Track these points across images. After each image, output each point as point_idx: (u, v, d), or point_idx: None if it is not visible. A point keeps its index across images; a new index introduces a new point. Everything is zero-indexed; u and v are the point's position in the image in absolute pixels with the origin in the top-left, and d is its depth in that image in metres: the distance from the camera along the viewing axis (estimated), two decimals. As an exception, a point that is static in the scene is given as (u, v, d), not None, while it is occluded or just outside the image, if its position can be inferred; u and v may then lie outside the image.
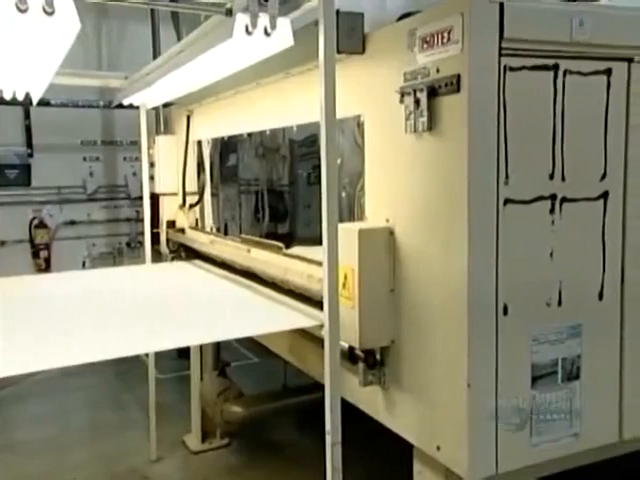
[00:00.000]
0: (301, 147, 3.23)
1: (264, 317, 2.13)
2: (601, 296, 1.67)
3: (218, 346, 3.57)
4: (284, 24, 1.68)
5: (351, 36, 1.81)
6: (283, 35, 1.69)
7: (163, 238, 3.45)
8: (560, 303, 1.62)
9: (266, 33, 1.67)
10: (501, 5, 1.51)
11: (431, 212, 1.64)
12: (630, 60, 1.67)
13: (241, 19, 1.61)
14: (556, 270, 1.62)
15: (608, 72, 1.66)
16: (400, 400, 1.75)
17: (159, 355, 3.50)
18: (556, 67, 1.60)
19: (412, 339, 1.71)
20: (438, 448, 1.59)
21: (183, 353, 3.97)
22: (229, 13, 1.72)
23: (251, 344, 4.23)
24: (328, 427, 1.60)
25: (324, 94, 1.61)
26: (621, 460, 1.74)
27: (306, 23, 1.82)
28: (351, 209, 2.05)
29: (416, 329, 1.69)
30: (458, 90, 1.52)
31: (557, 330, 1.61)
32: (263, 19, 1.65)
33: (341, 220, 1.88)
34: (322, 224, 1.62)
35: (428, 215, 1.65)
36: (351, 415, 1.72)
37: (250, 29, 1.64)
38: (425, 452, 1.66)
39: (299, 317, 2.02)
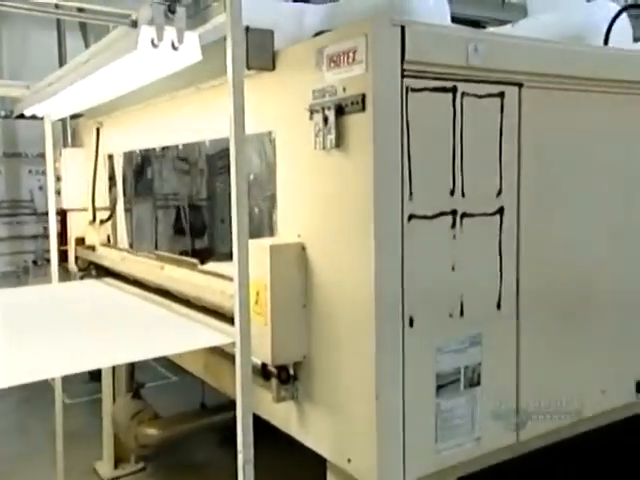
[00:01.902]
0: (217, 161, 3.20)
1: (176, 336, 2.07)
2: (499, 306, 1.76)
3: (132, 367, 3.43)
4: (192, 38, 1.66)
5: (261, 53, 1.83)
6: (191, 49, 1.67)
7: (72, 256, 3.28)
8: (462, 314, 1.70)
9: (173, 47, 1.64)
10: (402, 28, 1.58)
11: (340, 227, 1.67)
12: (520, 85, 1.79)
13: (146, 31, 1.58)
14: (458, 282, 1.69)
15: (501, 95, 1.77)
16: (312, 414, 1.76)
17: (69, 379, 3.29)
18: (454, 89, 1.69)
19: (323, 353, 1.73)
20: (349, 461, 1.61)
21: (95, 376, 3.78)
22: (134, 25, 1.68)
23: (169, 363, 4.10)
24: (240, 446, 1.58)
25: (233, 110, 1.61)
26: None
27: (216, 38, 1.82)
28: (264, 225, 2.05)
29: (327, 343, 1.71)
30: (363, 109, 1.57)
31: (459, 340, 1.69)
32: (170, 32, 1.63)
33: (255, 236, 1.89)
34: (232, 240, 1.61)
35: (337, 230, 1.68)
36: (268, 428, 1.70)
37: (156, 42, 1.61)
38: (337, 465, 1.67)
39: (212, 335, 1.98)
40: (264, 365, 1.78)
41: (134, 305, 2.54)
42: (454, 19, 4.11)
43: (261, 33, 1.82)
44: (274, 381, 1.77)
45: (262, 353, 1.75)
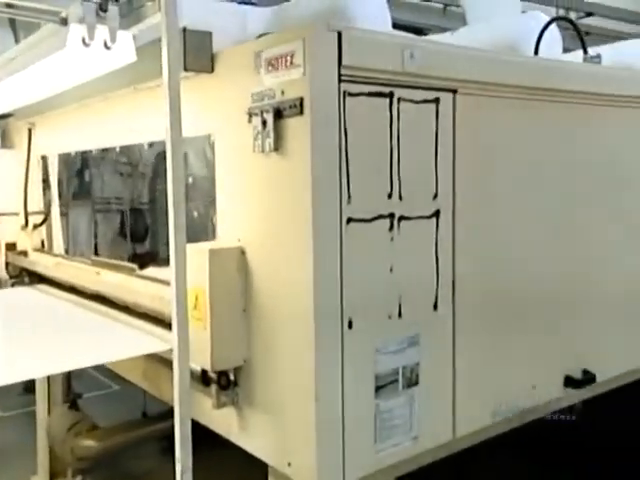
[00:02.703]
0: (159, 164, 3.13)
1: (112, 343, 2.01)
2: (436, 306, 1.80)
3: (69, 377, 3.30)
4: (125, 38, 1.63)
5: (199, 54, 1.80)
6: (125, 49, 1.63)
7: (2, 262, 3.13)
8: (400, 315, 1.73)
9: (106, 46, 1.60)
10: (339, 33, 1.60)
11: (279, 231, 1.67)
12: (455, 91, 1.84)
13: (76, 30, 1.53)
14: (396, 284, 1.72)
15: (437, 101, 1.81)
16: (253, 420, 1.74)
17: (1, 391, 3.15)
18: (391, 94, 1.72)
19: (264, 357, 1.72)
20: (289, 464, 1.61)
21: (29, 387, 3.61)
22: (64, 22, 1.62)
23: (110, 371, 3.98)
24: (178, 454, 1.55)
25: (169, 112, 1.58)
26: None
27: (153, 38, 1.78)
28: (204, 229, 2.02)
29: (267, 347, 1.70)
30: (301, 112, 1.57)
31: (398, 340, 1.72)
32: (102, 31, 1.59)
33: (195, 240, 1.86)
34: (169, 244, 1.58)
35: (277, 234, 1.68)
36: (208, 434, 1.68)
37: (87, 41, 1.56)
38: (277, 470, 1.67)
39: (149, 341, 1.94)
40: (204, 371, 1.76)
41: (67, 312, 2.45)
42: (397, 25, 4.19)
43: (199, 34, 1.80)
44: (214, 387, 1.74)
45: (201, 359, 1.73)
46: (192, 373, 1.75)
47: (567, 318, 2.16)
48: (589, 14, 7.80)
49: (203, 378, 1.76)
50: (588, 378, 2.13)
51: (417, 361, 1.75)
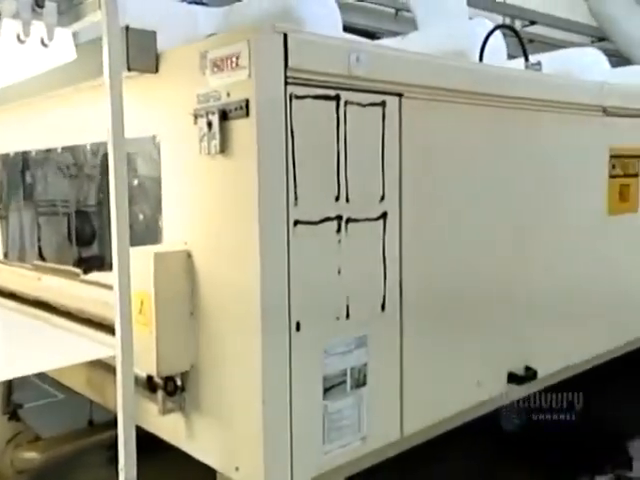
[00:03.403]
0: (104, 165, 3.04)
1: (53, 351, 1.94)
2: (383, 307, 1.83)
3: (9, 386, 3.16)
4: (64, 35, 1.58)
5: (143, 54, 1.77)
6: (63, 47, 1.58)
7: None
8: (348, 316, 1.74)
9: (43, 43, 1.55)
10: (285, 36, 1.60)
11: (226, 234, 1.65)
12: (401, 95, 1.87)
13: (9, 25, 1.47)
14: (344, 286, 1.73)
15: (383, 104, 1.84)
16: (201, 425, 1.72)
17: None
18: (338, 98, 1.73)
19: (211, 362, 1.70)
20: (237, 469, 1.60)
21: (-33, 399, 3.43)
22: (-2, 18, 1.56)
23: (54, 380, 3.83)
24: (122, 464, 1.51)
25: (111, 112, 1.54)
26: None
27: (96, 36, 1.73)
28: (150, 232, 1.98)
29: (215, 351, 1.68)
30: (247, 114, 1.56)
31: (346, 342, 1.73)
32: (39, 28, 1.53)
33: (141, 243, 1.82)
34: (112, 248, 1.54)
35: (224, 237, 1.66)
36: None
37: (22, 37, 1.51)
38: (225, 475, 1.65)
39: (93, 348, 1.88)
40: (149, 377, 1.72)
41: (5, 319, 2.35)
42: (349, 29, 4.22)
43: (143, 33, 1.76)
44: (160, 393, 1.71)
45: (147, 364, 1.69)
46: (137, 379, 1.71)
47: (510, 317, 2.23)
48: (533, 22, 8.08)
49: (149, 384, 1.72)
50: (530, 374, 2.21)
51: (365, 362, 1.77)
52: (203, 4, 3.61)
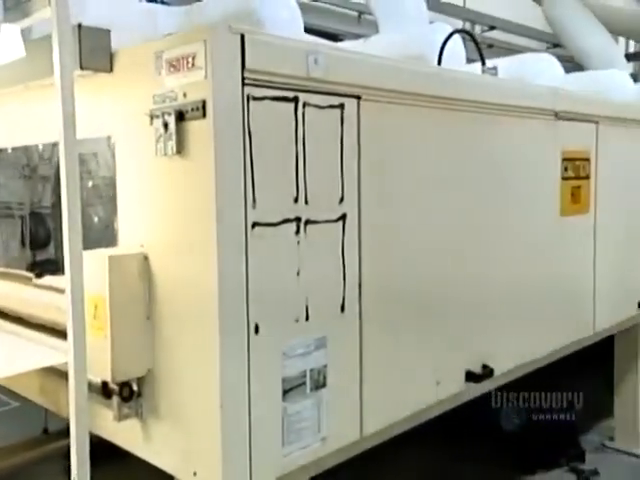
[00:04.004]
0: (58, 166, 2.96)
1: (3, 358, 1.87)
2: (343, 309, 1.83)
3: (-41, 395, 3.04)
4: (11, 32, 1.53)
5: (96, 52, 1.72)
6: (11, 44, 1.53)
7: None
8: (308, 318, 1.74)
9: (-11, 40, 1.50)
10: (242, 37, 1.59)
11: (183, 236, 1.63)
12: (359, 97, 1.88)
13: (-46, 21, 1.42)
14: (303, 288, 1.73)
15: (341, 107, 1.85)
16: (158, 430, 1.69)
17: None
18: (296, 99, 1.73)
19: (169, 366, 1.67)
20: (195, 474, 1.58)
21: None
22: (-60, 13, 1.50)
23: (7, 388, 3.71)
24: (74, 472, 1.47)
25: (62, 112, 1.51)
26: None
27: (47, 33, 1.69)
28: (105, 234, 1.93)
29: (172, 355, 1.66)
30: (204, 115, 1.55)
31: (305, 344, 1.73)
32: (-15, 24, 1.48)
33: (96, 246, 1.78)
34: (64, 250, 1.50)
35: (181, 239, 1.64)
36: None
37: (-33, 33, 1.46)
38: (183, 481, 1.63)
39: (45, 354, 1.83)
40: (104, 383, 1.68)
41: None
42: (313, 31, 4.22)
43: (96, 32, 1.72)
44: (115, 399, 1.67)
45: (102, 370, 1.65)
46: (92, 385, 1.67)
47: (467, 317, 2.27)
48: (492, 28, 8.27)
49: (104, 390, 1.68)
50: (487, 372, 2.25)
51: (325, 363, 1.77)
52: (164, 3, 3.55)
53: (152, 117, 1.66)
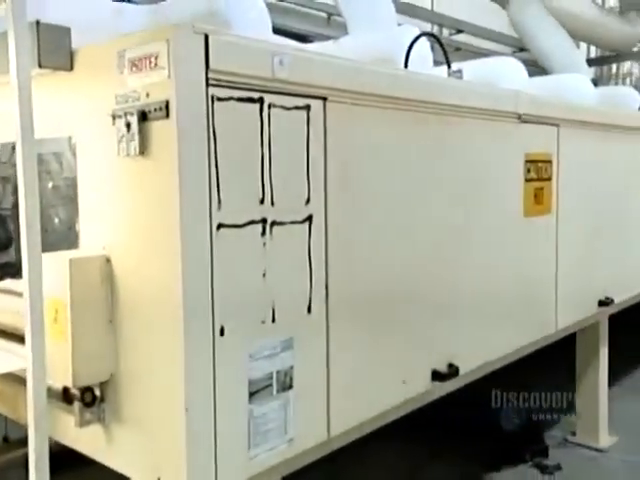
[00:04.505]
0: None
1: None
2: (309, 310, 1.83)
3: None
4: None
5: (55, 50, 1.69)
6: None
7: None
8: (274, 320, 1.74)
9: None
10: (206, 37, 1.57)
11: (147, 238, 1.61)
12: (325, 99, 1.89)
13: None
14: (269, 289, 1.73)
15: (307, 108, 1.85)
16: (121, 436, 1.66)
17: None
18: (261, 100, 1.72)
19: (132, 370, 1.65)
20: (159, 479, 1.55)
21: None
22: None
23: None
24: (33, 480, 1.44)
25: (19, 111, 1.47)
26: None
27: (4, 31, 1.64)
28: (66, 236, 1.89)
29: (135, 359, 1.63)
30: (167, 116, 1.53)
31: (272, 345, 1.72)
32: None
33: (57, 249, 1.75)
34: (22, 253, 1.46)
35: (144, 241, 1.62)
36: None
37: None
38: (147, 486, 1.60)
39: (5, 360, 1.78)
40: (65, 388, 1.64)
41: None
42: (283, 32, 4.20)
43: (55, 29, 1.69)
44: (77, 404, 1.64)
45: (63, 375, 1.62)
46: (52, 391, 1.64)
47: (433, 316, 2.29)
48: (460, 31, 8.40)
49: (65, 396, 1.65)
50: (452, 371, 2.28)
51: (291, 364, 1.77)
52: (131, 2, 3.50)
53: (114, 117, 1.63)
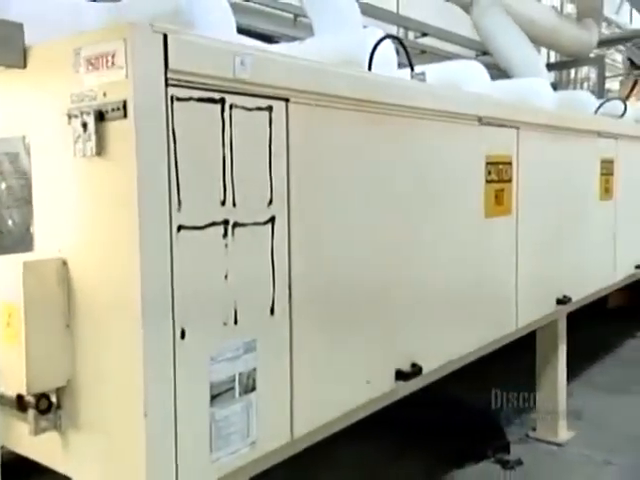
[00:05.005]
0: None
1: None
2: (272, 311, 1.83)
3: None
4: None
5: (7, 47, 1.64)
6: None
7: None
8: (236, 321, 1.72)
9: None
10: (165, 36, 1.55)
11: (105, 240, 1.58)
12: (287, 100, 1.89)
13: None
14: (231, 291, 1.71)
15: (270, 109, 1.84)
16: (79, 443, 1.62)
17: None
18: (223, 101, 1.71)
19: (90, 375, 1.61)
20: (118, 487, 1.53)
21: None
22: None
23: None
24: (-15, 492, 1.39)
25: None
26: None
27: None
28: (21, 239, 1.84)
29: (94, 364, 1.60)
30: (125, 116, 1.50)
31: (234, 347, 1.71)
32: None
33: (11, 252, 1.69)
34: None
35: (102, 243, 1.58)
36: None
37: None
38: (106, 494, 1.57)
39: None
40: (19, 395, 1.60)
41: None
42: (249, 32, 4.17)
43: (7, 25, 1.64)
44: (31, 412, 1.59)
45: (16, 382, 1.57)
46: (5, 398, 1.59)
47: (395, 316, 2.32)
48: (425, 34, 8.52)
49: (19, 403, 1.60)
50: (416, 370, 2.31)
51: (254, 366, 1.76)
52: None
53: (70, 117, 1.60)
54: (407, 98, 2.38)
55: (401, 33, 8.14)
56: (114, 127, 1.53)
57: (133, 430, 1.49)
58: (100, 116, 1.54)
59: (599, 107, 4.65)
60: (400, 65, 3.79)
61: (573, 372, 4.19)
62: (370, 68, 3.07)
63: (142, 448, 1.48)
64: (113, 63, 1.51)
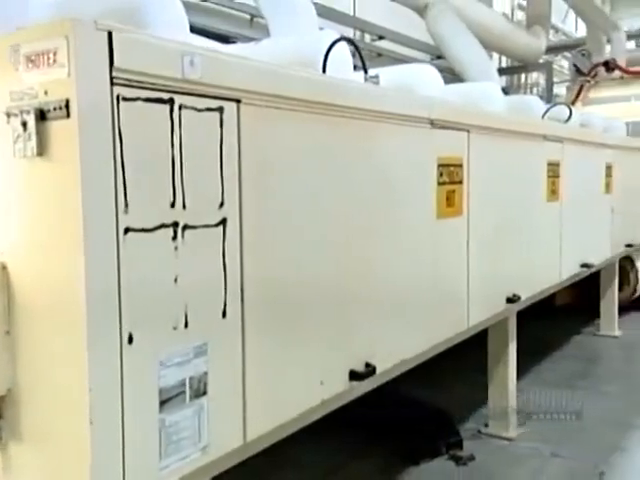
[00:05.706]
0: None
1: None
2: (224, 314, 1.81)
3: None
4: None
5: (-60, 42, 1.57)
6: None
7: None
8: (187, 325, 1.70)
9: None
10: (109, 34, 1.51)
11: (47, 243, 1.52)
12: (239, 101, 1.87)
13: None
14: (181, 294, 1.69)
15: (220, 110, 1.82)
16: (20, 456, 1.56)
17: None
18: (171, 101, 1.68)
19: (32, 383, 1.55)
20: (61, 499, 1.48)
21: None
22: None
23: None
24: None
25: None
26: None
27: None
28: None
29: (36, 372, 1.54)
30: (68, 115, 1.46)
31: (184, 352, 1.68)
32: None
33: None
34: None
35: (44, 246, 1.53)
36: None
37: None
38: (49, 506, 1.52)
39: None
40: (-44, 407, 1.53)
41: None
42: (205, 32, 4.11)
43: (-58, 20, 1.56)
44: (-31, 424, 1.52)
45: (-48, 393, 1.50)
46: (-60, 411, 1.51)
47: (349, 317, 2.33)
48: (381, 37, 8.63)
49: (-44, 415, 1.53)
50: (370, 370, 2.33)
51: (205, 370, 1.73)
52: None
53: (9, 115, 1.54)
54: (360, 100, 2.40)
55: (358, 36, 8.22)
56: (56, 127, 1.48)
57: (78, 439, 1.45)
58: (41, 115, 1.49)
59: (546, 112, 4.81)
60: (356, 68, 3.82)
61: (523, 369, 4.32)
62: (324, 70, 3.09)
63: (87, 457, 1.43)
64: (55, 61, 1.47)
